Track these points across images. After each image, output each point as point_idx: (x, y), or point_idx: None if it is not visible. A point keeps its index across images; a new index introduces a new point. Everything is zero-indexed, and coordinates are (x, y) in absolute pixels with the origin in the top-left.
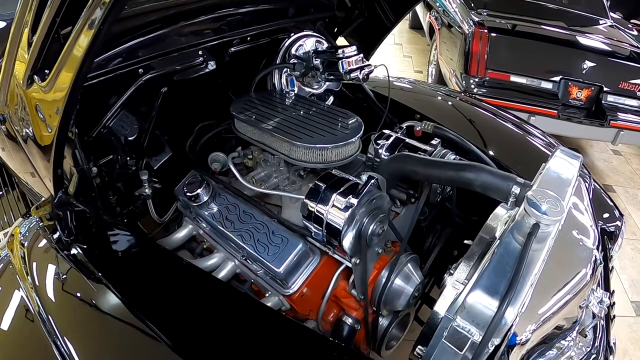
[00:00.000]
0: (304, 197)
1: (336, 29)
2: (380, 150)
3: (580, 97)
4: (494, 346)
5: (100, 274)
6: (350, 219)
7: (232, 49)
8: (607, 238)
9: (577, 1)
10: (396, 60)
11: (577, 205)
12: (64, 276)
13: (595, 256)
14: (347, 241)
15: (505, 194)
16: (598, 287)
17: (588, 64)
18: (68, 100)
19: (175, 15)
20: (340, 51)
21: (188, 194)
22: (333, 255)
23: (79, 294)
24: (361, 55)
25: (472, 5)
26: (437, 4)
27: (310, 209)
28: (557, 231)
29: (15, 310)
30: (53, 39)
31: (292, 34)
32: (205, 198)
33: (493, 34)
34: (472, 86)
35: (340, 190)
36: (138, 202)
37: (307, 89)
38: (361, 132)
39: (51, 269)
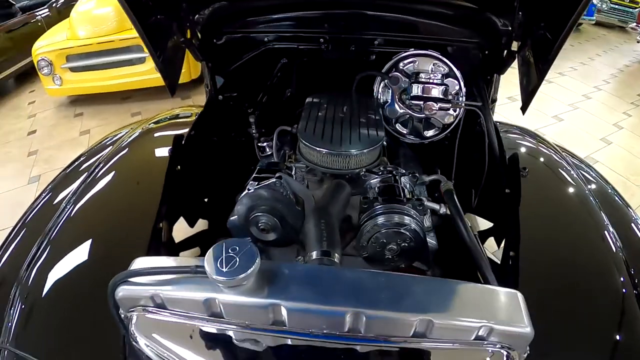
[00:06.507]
0: None
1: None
2: (365, 179)
3: None
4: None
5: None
6: (242, 199)
7: (353, 47)
8: None
9: None
10: (628, 129)
11: None
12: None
13: None
14: (235, 216)
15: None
16: None
17: None
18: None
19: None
20: (423, 75)
21: (259, 144)
22: None
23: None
24: (441, 87)
25: None
26: None
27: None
28: None
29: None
30: None
31: (414, 48)
32: (269, 152)
33: None
34: None
35: (259, 176)
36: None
37: (403, 107)
38: (365, 150)
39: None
